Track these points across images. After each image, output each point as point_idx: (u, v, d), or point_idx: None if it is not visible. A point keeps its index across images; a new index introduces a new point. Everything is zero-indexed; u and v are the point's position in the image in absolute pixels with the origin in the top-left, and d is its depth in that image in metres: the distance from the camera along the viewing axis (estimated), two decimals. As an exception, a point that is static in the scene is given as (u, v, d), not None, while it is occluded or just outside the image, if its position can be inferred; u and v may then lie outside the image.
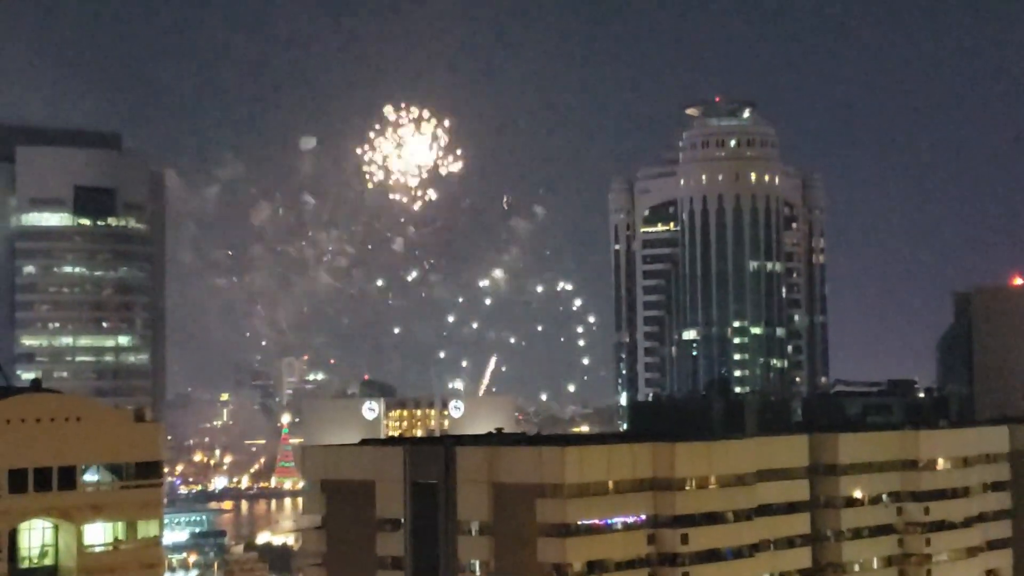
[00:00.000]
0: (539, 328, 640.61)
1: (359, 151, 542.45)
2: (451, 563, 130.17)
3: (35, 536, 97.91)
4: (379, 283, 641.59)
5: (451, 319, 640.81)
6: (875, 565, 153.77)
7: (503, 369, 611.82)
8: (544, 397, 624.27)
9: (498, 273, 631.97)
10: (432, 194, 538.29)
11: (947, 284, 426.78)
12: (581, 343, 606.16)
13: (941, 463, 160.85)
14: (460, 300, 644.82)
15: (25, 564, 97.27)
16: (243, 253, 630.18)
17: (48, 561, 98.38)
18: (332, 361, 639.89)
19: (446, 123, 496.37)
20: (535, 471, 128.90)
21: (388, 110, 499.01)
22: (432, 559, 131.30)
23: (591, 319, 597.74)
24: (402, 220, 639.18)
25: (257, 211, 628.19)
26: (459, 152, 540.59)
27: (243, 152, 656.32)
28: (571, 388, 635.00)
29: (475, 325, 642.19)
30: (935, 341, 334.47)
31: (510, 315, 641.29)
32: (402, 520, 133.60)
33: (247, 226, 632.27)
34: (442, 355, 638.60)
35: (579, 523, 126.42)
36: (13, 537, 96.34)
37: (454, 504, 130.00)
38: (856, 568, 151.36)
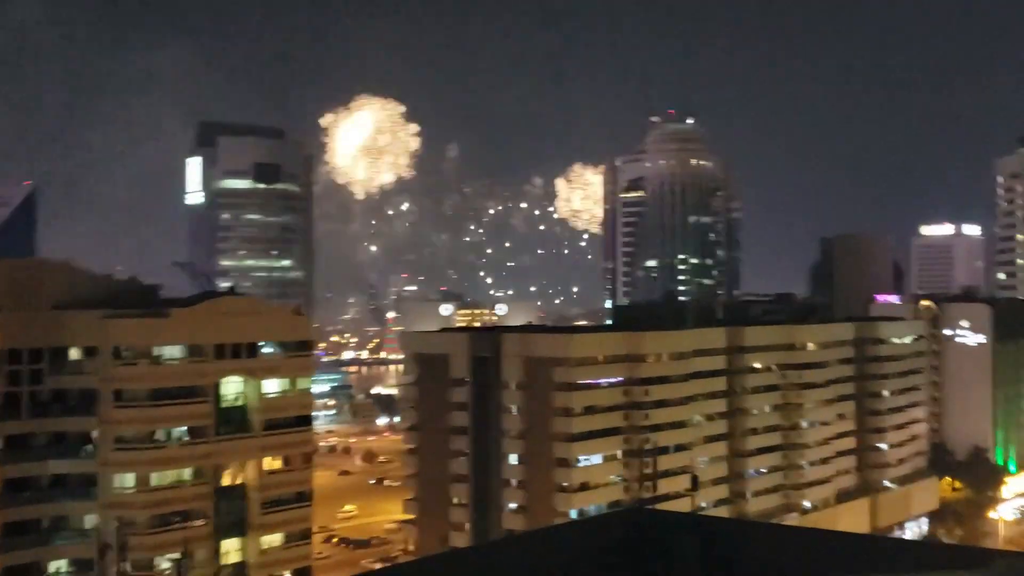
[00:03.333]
0: (560, 255, 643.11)
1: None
2: (498, 407, 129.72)
3: (232, 387, 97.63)
4: (451, 226, 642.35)
5: (491, 251, 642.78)
6: (767, 410, 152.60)
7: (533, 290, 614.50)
8: (557, 302, 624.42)
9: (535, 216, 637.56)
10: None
11: (817, 232, 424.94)
12: (585, 265, 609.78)
13: (810, 346, 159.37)
14: (506, 240, 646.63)
15: (225, 404, 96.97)
16: (367, 207, 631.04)
17: (239, 403, 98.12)
18: (421, 277, 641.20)
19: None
20: (552, 349, 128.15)
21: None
22: (486, 405, 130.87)
23: (589, 253, 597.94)
24: (465, 190, 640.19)
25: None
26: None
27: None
28: (574, 296, 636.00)
29: (518, 255, 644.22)
30: (808, 269, 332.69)
31: (543, 247, 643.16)
32: (467, 379, 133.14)
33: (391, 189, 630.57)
34: (489, 278, 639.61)
35: (580, 382, 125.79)
36: (217, 387, 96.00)
37: (500, 370, 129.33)
38: (754, 412, 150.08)
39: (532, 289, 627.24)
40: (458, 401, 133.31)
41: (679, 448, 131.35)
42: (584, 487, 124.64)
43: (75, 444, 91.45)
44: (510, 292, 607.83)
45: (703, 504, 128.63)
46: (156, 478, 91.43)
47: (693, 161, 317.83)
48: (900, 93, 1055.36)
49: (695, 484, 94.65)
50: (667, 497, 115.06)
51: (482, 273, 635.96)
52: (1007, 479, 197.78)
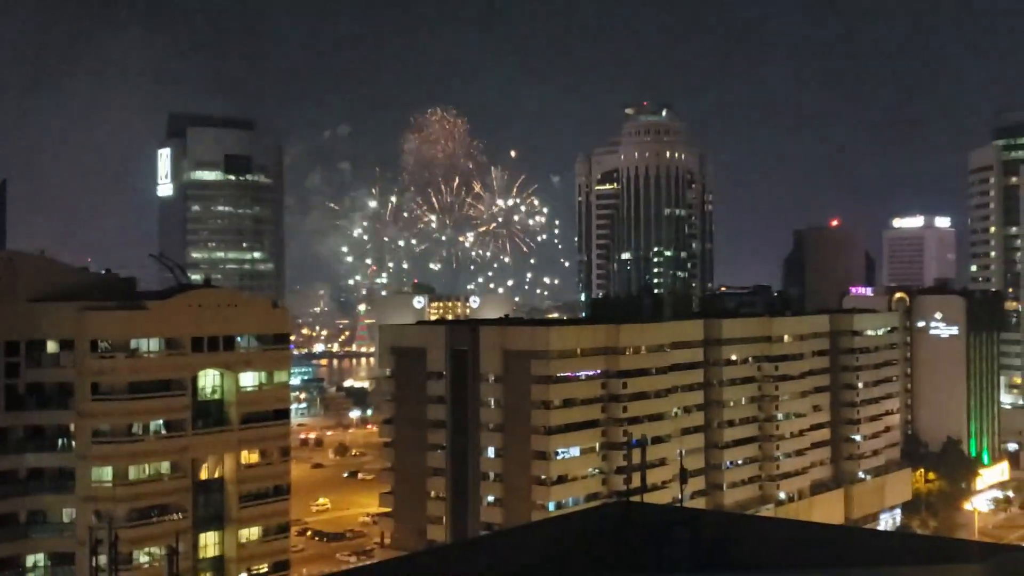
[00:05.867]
0: (533, 248, 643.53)
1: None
2: (475, 401, 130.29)
3: (209, 380, 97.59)
4: (424, 218, 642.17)
5: (470, 241, 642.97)
6: (743, 402, 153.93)
7: (508, 283, 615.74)
8: (529, 294, 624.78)
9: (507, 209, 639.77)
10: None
11: (790, 224, 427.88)
12: (557, 258, 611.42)
13: (786, 338, 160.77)
14: (481, 229, 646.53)
15: (202, 397, 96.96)
16: (335, 199, 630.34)
17: (217, 396, 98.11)
18: (391, 267, 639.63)
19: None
20: (531, 342, 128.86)
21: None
22: (463, 398, 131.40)
23: (562, 245, 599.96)
24: (440, 177, 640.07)
25: (348, 167, 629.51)
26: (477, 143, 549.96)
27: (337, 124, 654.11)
28: (547, 289, 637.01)
29: (490, 247, 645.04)
30: (782, 261, 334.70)
31: (515, 239, 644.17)
32: (444, 372, 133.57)
33: (339, 180, 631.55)
34: (461, 270, 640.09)
35: (558, 375, 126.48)
36: (195, 381, 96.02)
37: (478, 363, 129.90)
38: (731, 404, 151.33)
39: (509, 283, 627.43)
40: (435, 394, 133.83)
41: (657, 440, 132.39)
42: (562, 480, 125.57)
43: (52, 437, 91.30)
44: (487, 285, 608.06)
45: (678, 496, 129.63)
46: (134, 472, 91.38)
47: (668, 153, 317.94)
48: (873, 86, 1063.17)
49: (684, 476, 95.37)
50: (646, 489, 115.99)
51: (461, 271, 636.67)
52: (981, 470, 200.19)
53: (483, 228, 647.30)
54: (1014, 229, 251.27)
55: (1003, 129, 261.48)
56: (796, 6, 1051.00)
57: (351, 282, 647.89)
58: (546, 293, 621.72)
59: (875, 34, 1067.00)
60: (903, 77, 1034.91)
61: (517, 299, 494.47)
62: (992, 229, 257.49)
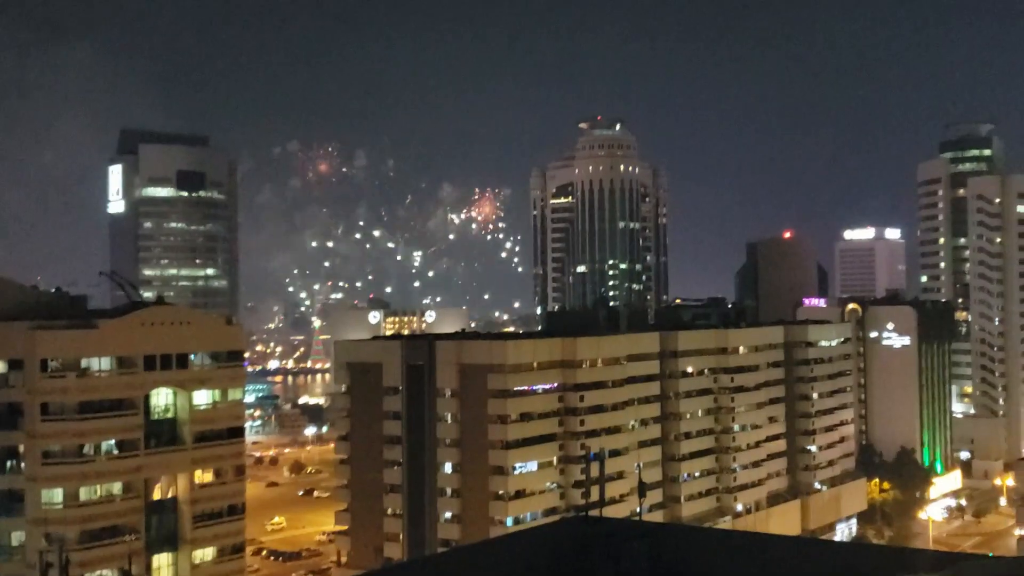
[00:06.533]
0: (487, 262, 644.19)
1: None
2: (432, 416, 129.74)
3: (161, 398, 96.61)
4: (376, 233, 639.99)
5: (424, 256, 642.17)
6: (700, 414, 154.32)
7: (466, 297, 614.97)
8: (485, 308, 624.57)
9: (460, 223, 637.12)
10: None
11: (742, 236, 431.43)
12: (512, 272, 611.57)
13: (741, 349, 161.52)
14: (431, 249, 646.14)
15: (155, 416, 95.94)
16: (289, 214, 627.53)
17: (170, 415, 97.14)
18: (344, 284, 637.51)
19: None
20: (487, 356, 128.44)
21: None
22: (420, 413, 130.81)
23: (517, 258, 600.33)
24: (393, 193, 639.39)
25: (298, 183, 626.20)
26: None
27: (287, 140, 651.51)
28: (502, 302, 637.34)
29: (444, 261, 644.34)
30: (735, 272, 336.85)
31: (469, 253, 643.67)
32: (400, 387, 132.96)
33: (291, 196, 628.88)
34: (416, 284, 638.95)
35: (515, 389, 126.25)
36: (147, 399, 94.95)
37: (434, 377, 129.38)
38: (688, 416, 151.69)
39: (466, 297, 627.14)
40: (391, 410, 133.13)
41: (614, 453, 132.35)
42: (520, 495, 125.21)
43: (1, 459, 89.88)
44: (438, 299, 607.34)
45: (637, 509, 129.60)
46: (85, 493, 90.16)
47: (622, 167, 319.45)
48: (823, 99, 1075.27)
49: (642, 490, 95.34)
50: (604, 503, 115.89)
51: (416, 284, 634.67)
52: (934, 479, 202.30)
53: (435, 246, 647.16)
54: (962, 240, 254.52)
55: (950, 142, 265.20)
56: (749, 24, 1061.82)
57: (303, 296, 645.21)
58: (502, 309, 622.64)
59: (826, 50, 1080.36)
60: (853, 91, 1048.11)
61: (472, 313, 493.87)
62: (941, 240, 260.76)
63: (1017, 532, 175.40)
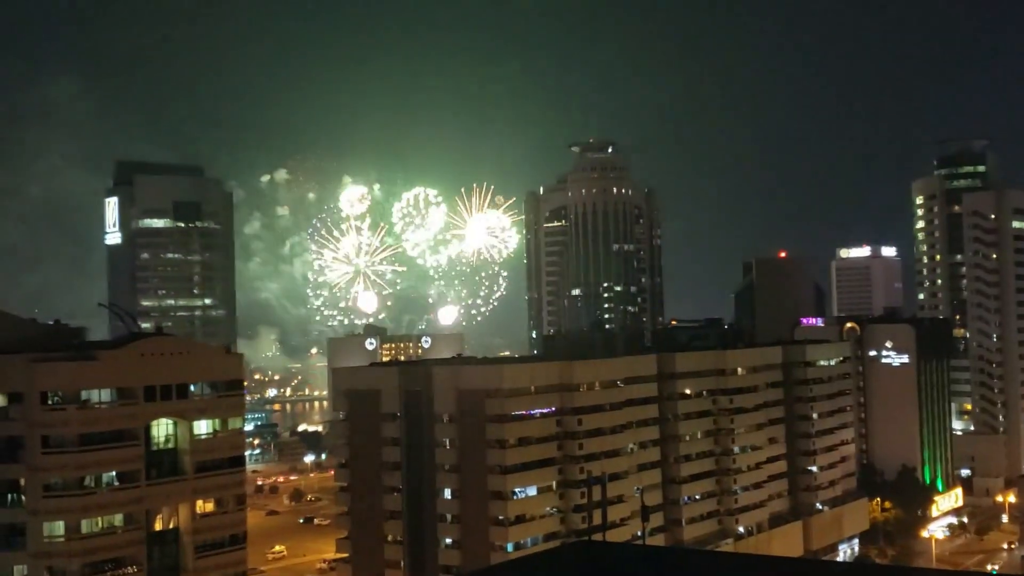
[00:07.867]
0: (480, 288, 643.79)
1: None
2: (430, 441, 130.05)
3: (162, 429, 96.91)
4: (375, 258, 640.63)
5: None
6: (699, 436, 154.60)
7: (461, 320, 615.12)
8: (490, 330, 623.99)
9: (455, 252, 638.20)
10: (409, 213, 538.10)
11: (739, 255, 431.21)
12: (508, 297, 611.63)
13: (740, 370, 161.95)
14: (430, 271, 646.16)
15: (156, 447, 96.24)
16: (277, 244, 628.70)
17: (170, 445, 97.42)
18: (336, 312, 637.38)
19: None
20: (485, 381, 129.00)
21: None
22: (418, 439, 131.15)
23: (512, 283, 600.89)
24: (381, 223, 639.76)
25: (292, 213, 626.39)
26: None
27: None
28: (499, 327, 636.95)
29: (436, 287, 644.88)
30: (732, 293, 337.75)
31: (462, 279, 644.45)
32: (398, 414, 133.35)
33: (281, 225, 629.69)
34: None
35: (513, 413, 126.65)
36: (148, 430, 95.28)
37: (432, 403, 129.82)
38: (687, 438, 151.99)
39: (461, 323, 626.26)
40: (390, 436, 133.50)
41: (614, 477, 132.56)
42: (520, 520, 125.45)
43: (1, 493, 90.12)
44: (439, 323, 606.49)
45: (638, 533, 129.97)
46: (87, 525, 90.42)
47: (615, 190, 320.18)
48: (819, 118, 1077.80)
49: (645, 514, 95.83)
50: (605, 527, 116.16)
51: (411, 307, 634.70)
52: (935, 497, 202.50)
53: (430, 269, 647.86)
54: (959, 257, 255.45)
55: (946, 158, 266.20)
56: (743, 40, 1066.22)
57: (299, 324, 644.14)
58: (498, 333, 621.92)
59: (821, 66, 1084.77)
60: (849, 108, 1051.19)
61: (467, 338, 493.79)
62: (937, 257, 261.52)
63: (1020, 549, 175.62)
